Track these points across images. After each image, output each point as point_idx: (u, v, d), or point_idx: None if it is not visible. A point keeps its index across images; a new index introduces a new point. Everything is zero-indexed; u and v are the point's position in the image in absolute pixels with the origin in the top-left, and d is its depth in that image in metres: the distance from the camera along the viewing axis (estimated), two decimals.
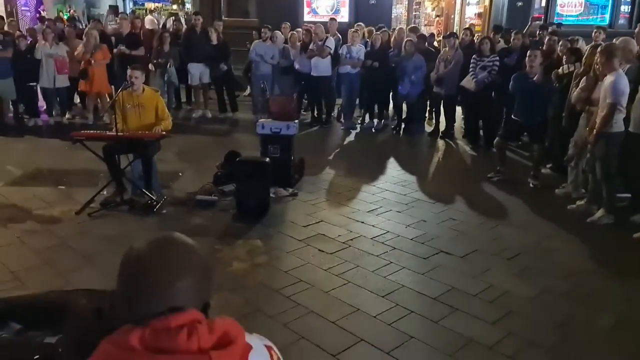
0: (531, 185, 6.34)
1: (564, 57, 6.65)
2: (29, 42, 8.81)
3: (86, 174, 6.23)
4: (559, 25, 9.98)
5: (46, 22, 10.36)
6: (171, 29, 10.32)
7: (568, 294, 3.94)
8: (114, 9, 12.92)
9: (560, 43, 7.38)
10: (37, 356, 3.03)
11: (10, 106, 8.90)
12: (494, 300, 3.81)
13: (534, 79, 6.14)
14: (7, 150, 7.37)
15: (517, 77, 6.37)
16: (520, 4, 13.09)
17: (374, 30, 9.50)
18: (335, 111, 9.82)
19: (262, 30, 9.40)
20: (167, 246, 1.01)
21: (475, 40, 8.74)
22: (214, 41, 9.38)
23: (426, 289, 3.94)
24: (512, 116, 6.45)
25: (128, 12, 14.98)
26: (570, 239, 4.96)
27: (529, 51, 6.40)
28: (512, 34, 8.46)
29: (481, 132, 8.42)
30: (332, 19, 10.17)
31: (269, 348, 1.06)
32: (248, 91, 10.80)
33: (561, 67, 6.58)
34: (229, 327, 0.98)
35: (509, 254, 4.58)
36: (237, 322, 1.03)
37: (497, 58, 7.89)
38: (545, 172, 6.66)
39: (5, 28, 9.02)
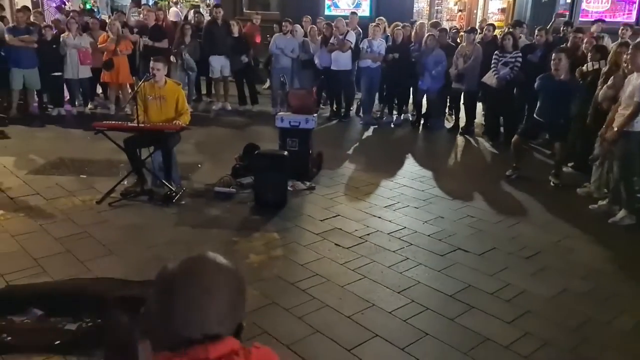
0: (552, 183, 6.26)
1: (589, 54, 6.53)
2: (54, 32, 8.93)
3: (107, 164, 6.32)
4: (601, 22, 9.68)
5: (71, 14, 10.47)
6: (193, 21, 10.38)
7: (587, 294, 3.90)
8: (136, 1, 13.02)
9: (585, 41, 7.25)
10: (58, 341, 3.10)
11: (35, 96, 9.04)
12: (511, 300, 3.78)
13: (561, 78, 6.02)
14: (31, 140, 7.50)
15: (543, 77, 6.28)
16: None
17: (399, 25, 9.39)
18: (355, 105, 9.79)
19: (283, 23, 9.40)
20: (201, 267, 0.99)
21: (498, 36, 8.62)
22: (235, 34, 9.40)
23: (442, 286, 3.93)
24: (535, 115, 6.36)
25: (151, 3, 15.09)
26: (591, 239, 4.89)
27: (553, 54, 6.28)
28: (536, 30, 8.32)
29: (502, 129, 8.32)
30: (353, 13, 10.13)
31: None
32: (268, 84, 10.82)
33: (585, 65, 6.46)
34: (265, 354, 0.97)
35: (528, 252, 4.54)
36: (272, 350, 1.01)
37: (520, 54, 7.78)
38: (567, 171, 6.56)
39: (31, 19, 9.15)
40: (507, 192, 6.12)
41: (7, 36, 8.22)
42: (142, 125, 5.33)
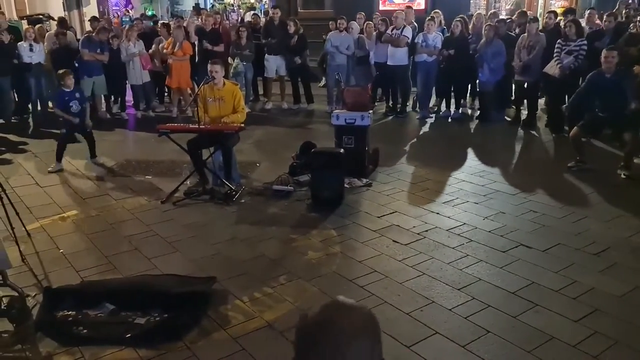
0: (622, 176, 5.96)
1: None
2: (119, 41, 9.37)
3: (170, 165, 6.57)
4: None
5: (135, 21, 10.94)
6: (249, 22, 10.58)
7: None
8: (197, 9, 13.43)
9: None
10: (128, 335, 3.26)
11: (103, 101, 9.52)
12: (578, 297, 3.63)
13: (611, 75, 5.84)
14: (100, 143, 7.86)
15: (593, 76, 6.06)
16: None
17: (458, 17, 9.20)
18: (411, 101, 9.68)
19: (338, 20, 9.42)
20: (340, 314, 1.01)
21: (561, 24, 8.29)
22: (292, 33, 9.49)
23: (504, 283, 3.83)
24: (598, 112, 6.10)
25: (209, 8, 15.50)
26: None
27: (604, 51, 6.01)
28: (604, 16, 7.93)
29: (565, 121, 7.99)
30: (409, 7, 10.01)
31: None
32: (323, 82, 10.88)
33: None
34: None
35: (596, 249, 4.34)
36: None
37: (585, 42, 7.44)
38: (638, 162, 6.22)
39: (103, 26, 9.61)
40: (572, 185, 5.88)
41: (82, 51, 8.72)
42: (204, 127, 5.51)
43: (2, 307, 3.37)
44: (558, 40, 7.58)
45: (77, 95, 6.66)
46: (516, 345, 3.14)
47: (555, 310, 3.48)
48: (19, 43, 8.77)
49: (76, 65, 8.76)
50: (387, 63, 8.96)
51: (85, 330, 3.30)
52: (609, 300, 3.61)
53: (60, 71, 6.77)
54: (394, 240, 4.54)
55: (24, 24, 11.11)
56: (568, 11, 9.37)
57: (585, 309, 3.50)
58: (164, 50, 9.20)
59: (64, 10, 14.93)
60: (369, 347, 1.00)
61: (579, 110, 6.47)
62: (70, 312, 3.46)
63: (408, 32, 8.83)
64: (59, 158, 6.57)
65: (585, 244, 4.42)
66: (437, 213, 5.13)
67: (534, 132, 8.14)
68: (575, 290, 3.71)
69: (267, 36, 9.65)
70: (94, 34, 9.08)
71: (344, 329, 0.98)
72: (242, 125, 5.74)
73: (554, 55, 7.55)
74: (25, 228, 4.55)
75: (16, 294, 3.40)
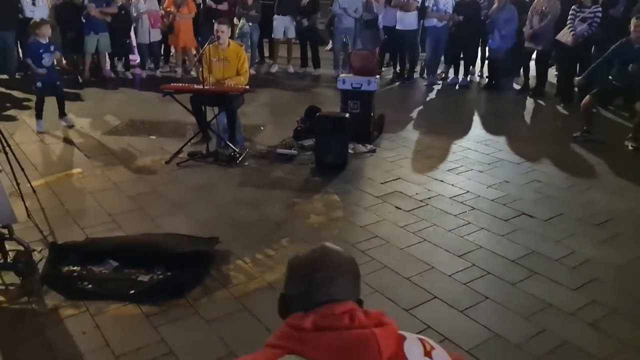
0: (630, 147, 5.91)
1: None
2: None
3: (175, 126, 6.55)
4: None
5: None
6: None
7: None
8: None
9: None
10: (132, 291, 3.32)
11: (107, 59, 9.42)
12: (577, 267, 3.66)
13: (637, 47, 5.71)
14: (105, 102, 7.87)
15: (620, 45, 5.93)
16: None
17: None
18: (419, 67, 9.54)
19: None
20: (329, 252, 1.18)
21: None
22: None
23: (505, 251, 3.85)
24: (611, 78, 5.99)
25: None
26: None
27: (634, 20, 5.86)
28: None
29: (575, 90, 7.88)
30: None
31: (421, 339, 1.15)
32: (330, 46, 10.72)
33: None
34: (381, 315, 1.11)
35: (598, 219, 4.35)
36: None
37: (600, 9, 7.26)
38: None
39: None
40: (579, 156, 5.84)
41: (88, 6, 8.57)
42: (208, 87, 5.46)
43: (9, 261, 3.43)
44: (572, 7, 7.40)
45: (52, 48, 6.37)
46: (513, 311, 3.18)
47: (554, 278, 3.51)
48: None
49: (83, 21, 8.64)
50: (396, 27, 8.79)
51: (90, 286, 3.36)
52: (608, 270, 3.63)
53: (37, 19, 6.53)
54: (396, 207, 4.55)
55: None
56: None
57: (584, 278, 3.53)
58: (167, 9, 9.04)
59: None
60: (352, 280, 1.17)
61: (594, 79, 6.38)
62: (75, 268, 3.52)
63: None
64: (39, 115, 6.35)
65: (588, 215, 4.42)
66: (441, 180, 5.12)
67: (542, 101, 8.04)
68: (575, 260, 3.74)
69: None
70: None
71: (334, 263, 1.16)
72: (248, 87, 5.69)
73: (568, 22, 7.38)
74: (30, 184, 4.58)
75: (22, 248, 3.46)
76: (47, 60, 6.28)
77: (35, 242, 3.82)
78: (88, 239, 3.94)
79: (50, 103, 6.48)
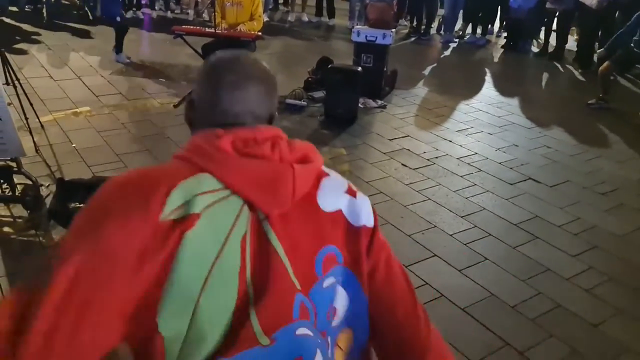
0: None
1: None
2: None
3: (184, 69, 6.48)
4: None
5: None
6: None
7: None
8: None
9: None
10: None
11: None
12: (579, 234, 3.68)
13: None
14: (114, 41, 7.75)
15: None
16: None
17: None
18: (436, 23, 9.31)
19: None
20: (245, 56, 1.07)
21: None
22: None
23: (508, 215, 3.87)
24: (633, 46, 5.83)
25: None
26: None
27: None
28: None
29: (595, 57, 7.70)
30: None
31: (348, 183, 1.07)
32: None
33: None
34: (308, 150, 1.02)
35: (604, 188, 4.33)
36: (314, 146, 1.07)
37: None
38: None
39: None
40: (591, 123, 5.77)
41: None
42: (220, 31, 5.37)
43: (17, 194, 3.47)
44: None
45: None
46: (511, 273, 3.22)
47: (554, 244, 3.53)
48: None
49: None
50: None
51: None
52: (609, 238, 3.65)
53: None
54: (402, 164, 4.54)
55: None
56: None
57: (584, 245, 3.55)
58: None
59: None
60: (265, 88, 1.04)
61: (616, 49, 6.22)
62: (82, 205, 3.56)
63: None
64: (120, 48, 6.61)
65: (594, 183, 4.41)
66: (450, 141, 5.09)
67: (559, 66, 7.88)
68: (577, 227, 3.75)
69: None
70: None
71: (245, 66, 1.04)
72: (260, 33, 5.59)
73: None
74: (39, 119, 4.58)
75: (30, 182, 3.49)
76: None
77: (43, 177, 3.85)
78: (95, 176, 3.96)
79: (60, 40, 6.40)
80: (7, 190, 3.46)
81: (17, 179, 3.50)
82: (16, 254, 3.14)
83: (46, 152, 4.27)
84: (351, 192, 1.06)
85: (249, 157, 0.93)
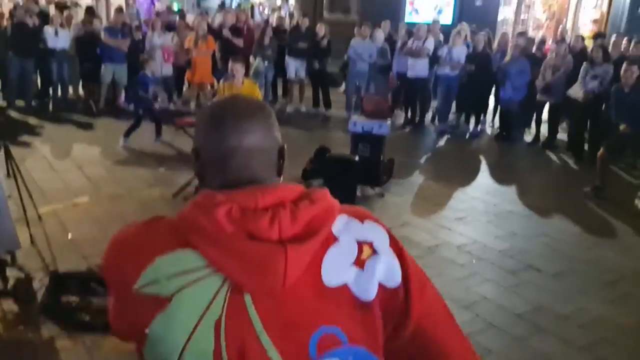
0: (639, 206, 5.86)
1: None
2: (144, 31, 9.45)
3: (184, 159, 6.59)
4: None
5: (160, 14, 11.04)
6: (274, 23, 10.63)
7: None
8: (222, 6, 13.54)
9: None
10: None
11: (123, 91, 9.58)
12: (585, 325, 3.57)
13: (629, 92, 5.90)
14: (117, 132, 7.92)
15: (614, 92, 6.10)
16: None
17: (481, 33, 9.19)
18: (430, 113, 9.63)
19: (362, 27, 9.42)
20: (237, 96, 1.10)
21: (588, 48, 8.22)
22: (321, 38, 9.47)
23: (510, 305, 3.78)
24: (620, 127, 6.04)
25: (234, 6, 15.62)
26: None
27: (625, 65, 6.00)
28: (632, 42, 7.85)
29: (586, 145, 7.89)
30: (435, 21, 10.00)
31: (361, 244, 0.97)
32: (343, 88, 10.88)
33: None
34: (317, 214, 0.94)
35: (608, 277, 4.27)
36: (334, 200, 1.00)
37: (611, 67, 7.34)
38: None
39: (127, 20, 9.71)
40: (588, 211, 5.79)
41: (102, 34, 8.80)
42: None
43: (9, 288, 3.40)
44: (584, 64, 7.49)
45: (155, 82, 7.16)
46: None
47: (561, 335, 3.43)
48: (45, 27, 8.87)
49: (98, 52, 8.85)
50: (407, 74, 8.93)
51: (88, 317, 3.31)
52: (616, 330, 3.54)
53: (144, 56, 7.25)
54: None
55: (52, 9, 11.26)
56: (598, 35, 9.27)
57: (590, 337, 3.44)
58: (186, 46, 9.24)
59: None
60: (265, 120, 1.05)
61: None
62: (74, 298, 3.47)
63: (430, 44, 8.79)
64: (128, 134, 7.04)
65: (597, 272, 4.35)
66: (448, 229, 5.08)
67: (553, 154, 8.05)
68: (583, 318, 3.65)
69: (292, 40, 9.65)
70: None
71: (241, 104, 1.05)
72: None
73: (579, 78, 7.46)
74: (37, 211, 4.58)
75: (23, 275, 3.43)
76: (151, 90, 7.11)
77: (37, 269, 3.79)
78: (89, 268, 3.90)
79: (64, 132, 6.55)
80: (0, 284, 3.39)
81: (10, 272, 3.44)
82: (4, 351, 3.01)
83: (42, 243, 4.24)
84: (359, 263, 0.96)
85: (241, 236, 0.88)
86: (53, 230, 4.52)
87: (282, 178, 1.11)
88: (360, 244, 0.97)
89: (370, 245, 0.98)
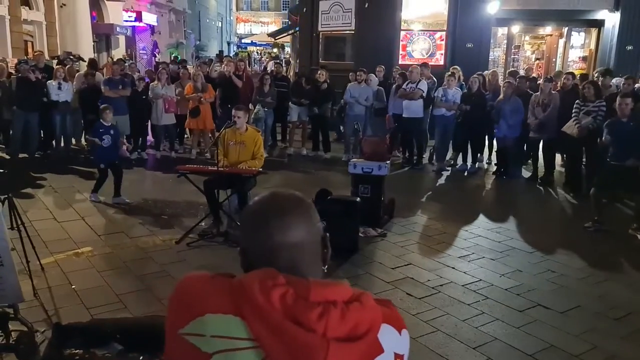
0: (639, 237, 5.85)
1: None
2: (146, 82, 9.64)
3: (187, 206, 6.61)
4: None
5: (161, 65, 11.28)
6: (272, 71, 10.87)
7: None
8: (220, 56, 13.87)
9: None
10: None
11: (125, 140, 9.68)
12: None
13: (627, 122, 5.99)
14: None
15: (610, 124, 6.15)
16: (630, 47, 12.37)
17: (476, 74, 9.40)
18: (427, 153, 9.73)
19: (357, 72, 9.63)
20: (275, 193, 1.13)
21: (579, 85, 8.38)
22: (322, 84, 9.69)
23: (521, 344, 3.71)
24: (609, 160, 6.09)
25: (232, 55, 15.99)
26: None
27: (618, 98, 6.12)
28: (623, 79, 8.01)
29: (583, 180, 7.93)
30: (425, 63, 10.24)
31: (397, 356, 1.03)
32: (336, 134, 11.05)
33: None
34: (365, 318, 0.98)
35: (617, 313, 4.21)
36: (384, 306, 1.04)
37: (604, 103, 7.46)
38: None
39: (127, 70, 9.93)
40: (591, 246, 5.77)
41: (103, 88, 8.97)
42: (222, 169, 5.57)
43: (11, 342, 3.34)
44: (576, 101, 7.62)
45: (112, 132, 6.87)
46: None
47: None
48: (49, 82, 9.04)
49: (99, 104, 8.99)
50: (403, 115, 9.07)
51: None
52: None
53: (103, 106, 7.11)
54: (407, 293, 4.46)
55: (55, 64, 11.51)
56: (582, 77, 9.53)
57: None
58: (185, 94, 9.39)
59: (94, 52, 15.49)
60: (306, 212, 1.09)
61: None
62: (77, 351, 3.41)
63: (423, 85, 8.97)
64: (96, 190, 6.82)
65: (606, 308, 4.30)
66: (453, 267, 5.05)
67: (551, 190, 8.08)
68: (596, 356, 3.59)
69: (295, 89, 9.88)
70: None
71: (282, 197, 1.10)
72: (261, 169, 5.80)
73: (572, 115, 7.57)
74: (39, 262, 4.56)
75: (25, 328, 3.38)
76: (106, 141, 6.78)
77: (39, 322, 3.74)
78: (93, 319, 3.85)
79: (66, 183, 6.59)
80: (1, 338, 3.34)
81: (12, 325, 3.39)
82: None
83: (45, 295, 4.19)
84: None
85: (290, 321, 0.93)
86: (55, 281, 4.48)
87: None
88: (396, 356, 1.04)
89: (402, 357, 1.06)
